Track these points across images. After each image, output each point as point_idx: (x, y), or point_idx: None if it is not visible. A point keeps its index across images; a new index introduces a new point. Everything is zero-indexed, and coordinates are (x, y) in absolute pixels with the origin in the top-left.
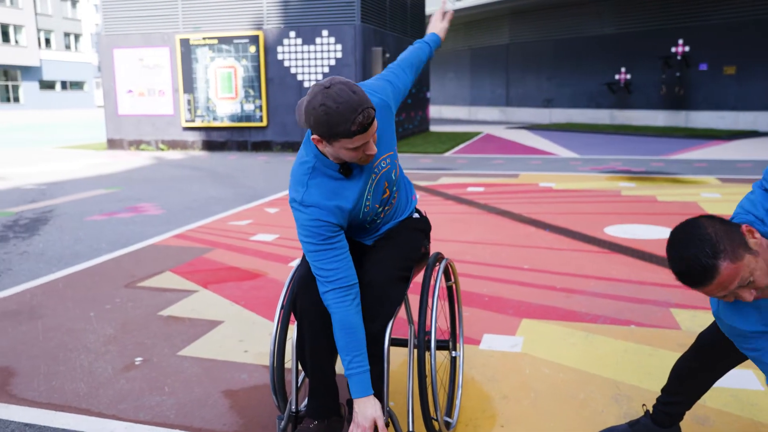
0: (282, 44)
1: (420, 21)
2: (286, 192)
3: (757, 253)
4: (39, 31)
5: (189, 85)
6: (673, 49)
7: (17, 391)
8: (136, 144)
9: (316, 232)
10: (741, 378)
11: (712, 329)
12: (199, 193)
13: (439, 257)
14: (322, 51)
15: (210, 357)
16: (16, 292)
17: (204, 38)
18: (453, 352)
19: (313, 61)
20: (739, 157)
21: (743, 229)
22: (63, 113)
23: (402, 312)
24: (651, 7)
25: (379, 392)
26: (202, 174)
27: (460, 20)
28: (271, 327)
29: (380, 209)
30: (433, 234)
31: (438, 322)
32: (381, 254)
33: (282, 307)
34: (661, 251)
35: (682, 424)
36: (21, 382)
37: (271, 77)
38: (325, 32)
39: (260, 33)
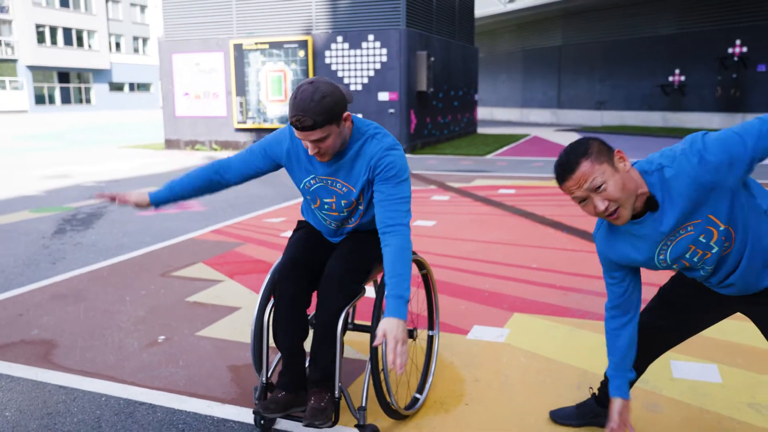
0: (330, 48)
1: (469, 24)
2: None
3: (618, 171)
4: (110, 35)
5: (241, 88)
6: (730, 50)
7: (57, 360)
8: (192, 144)
9: (262, 144)
10: (703, 371)
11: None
12: (242, 191)
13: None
14: (368, 55)
15: (223, 338)
16: (67, 278)
17: (256, 43)
18: (430, 332)
19: (360, 65)
20: None
21: (616, 151)
22: (130, 114)
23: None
24: (707, 7)
25: (331, 373)
26: None
27: (513, 22)
28: None
29: (329, 217)
30: (452, 234)
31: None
32: (342, 250)
33: (263, 293)
34: None
35: (636, 410)
36: (60, 353)
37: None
38: (371, 37)
39: (309, 38)
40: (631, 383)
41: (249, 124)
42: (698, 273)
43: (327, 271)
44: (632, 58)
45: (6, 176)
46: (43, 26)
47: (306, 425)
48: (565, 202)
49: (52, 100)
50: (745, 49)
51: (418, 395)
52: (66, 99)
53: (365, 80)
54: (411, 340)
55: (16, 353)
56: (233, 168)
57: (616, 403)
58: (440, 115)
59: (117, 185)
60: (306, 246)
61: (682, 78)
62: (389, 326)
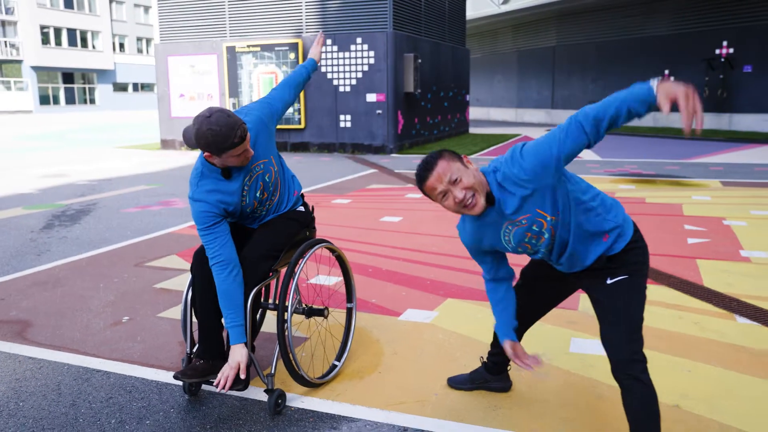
0: None
1: (460, 26)
2: (304, 190)
3: (468, 168)
4: (114, 36)
5: (234, 90)
6: (717, 51)
7: (30, 336)
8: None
9: (202, 220)
10: (596, 346)
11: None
12: None
13: (313, 242)
14: (356, 57)
15: (179, 318)
16: (48, 268)
17: (248, 46)
18: (348, 304)
19: (348, 66)
20: (764, 161)
21: (463, 156)
22: (133, 114)
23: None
24: (695, 9)
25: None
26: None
27: (508, 23)
28: None
29: (259, 205)
30: (414, 229)
31: (315, 291)
32: (256, 237)
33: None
34: None
35: (525, 380)
36: (34, 330)
37: (309, 82)
38: (359, 39)
39: (299, 41)
40: (516, 330)
41: None
42: (538, 255)
43: (242, 257)
44: (624, 59)
45: (4, 175)
46: (48, 27)
47: (203, 383)
48: None
49: (56, 101)
50: (731, 50)
51: (336, 362)
52: (70, 99)
53: (353, 82)
54: (323, 317)
55: None
56: (231, 259)
57: (507, 345)
58: (429, 116)
59: (109, 184)
60: None
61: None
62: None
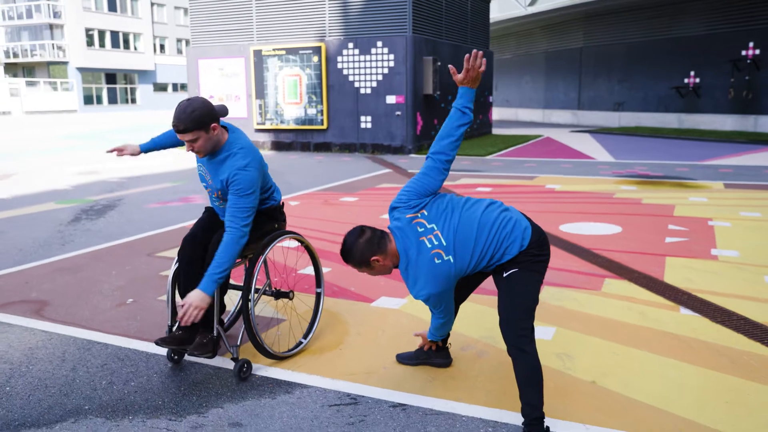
0: (342, 54)
1: (483, 28)
2: (317, 188)
3: (373, 269)
4: (155, 38)
5: (260, 92)
6: (744, 52)
7: (46, 314)
8: None
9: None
10: (542, 331)
11: None
12: None
13: (279, 233)
14: (376, 60)
15: (178, 301)
16: (70, 256)
17: (274, 49)
18: (317, 289)
19: (369, 69)
20: None
21: (373, 257)
22: (171, 114)
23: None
24: (722, 10)
25: (210, 318)
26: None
27: (535, 24)
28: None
29: (219, 202)
30: None
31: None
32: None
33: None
34: (587, 243)
35: (468, 357)
36: (50, 309)
37: (331, 84)
38: (379, 43)
39: (323, 44)
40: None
41: (267, 125)
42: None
43: (212, 243)
44: (650, 60)
45: (44, 172)
46: (93, 30)
47: (190, 354)
48: (531, 199)
49: (99, 101)
50: (758, 52)
51: (302, 339)
52: (113, 99)
53: (374, 84)
54: (288, 299)
55: (15, 309)
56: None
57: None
58: None
59: (137, 181)
60: (204, 223)
61: (697, 80)
62: (191, 294)
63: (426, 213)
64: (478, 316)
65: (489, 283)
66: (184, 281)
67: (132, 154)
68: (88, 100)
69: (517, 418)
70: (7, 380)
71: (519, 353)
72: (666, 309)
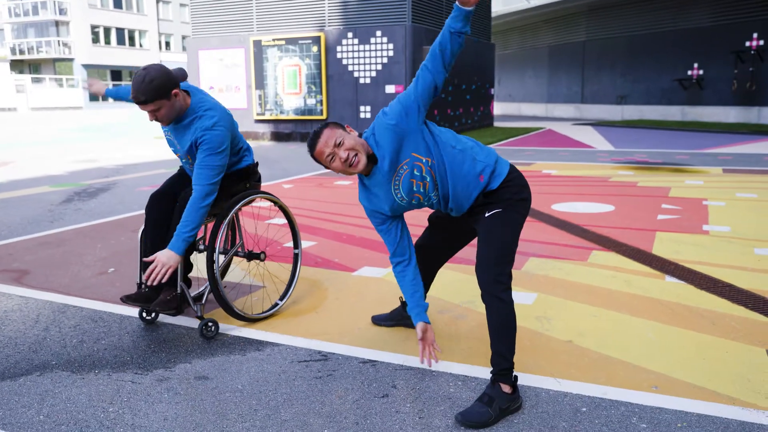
0: (341, 44)
1: (485, 20)
2: (311, 174)
3: (349, 134)
4: (160, 35)
5: (260, 82)
6: (747, 44)
7: (25, 281)
8: None
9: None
10: (523, 297)
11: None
12: None
13: (248, 193)
14: (375, 50)
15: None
16: (57, 232)
17: (273, 39)
18: (295, 250)
19: (368, 59)
20: None
21: (346, 125)
22: None
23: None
24: (725, 1)
25: (175, 276)
26: (256, 159)
27: (538, 18)
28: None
29: (189, 165)
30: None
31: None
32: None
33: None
34: (578, 220)
35: (445, 319)
36: (30, 277)
37: (330, 74)
38: (378, 32)
39: (322, 34)
40: (426, 310)
41: (267, 116)
42: (432, 204)
43: (178, 200)
44: (653, 53)
45: (42, 161)
46: (98, 27)
47: (152, 311)
48: None
49: (104, 98)
50: (761, 43)
51: (279, 301)
52: None
53: (373, 74)
54: (260, 260)
55: None
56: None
57: (419, 327)
58: (450, 108)
59: (134, 168)
60: (173, 181)
61: (701, 72)
62: (160, 253)
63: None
64: (460, 284)
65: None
66: (152, 238)
67: (97, 92)
68: (93, 96)
69: (488, 373)
70: None
71: (493, 300)
72: (651, 277)
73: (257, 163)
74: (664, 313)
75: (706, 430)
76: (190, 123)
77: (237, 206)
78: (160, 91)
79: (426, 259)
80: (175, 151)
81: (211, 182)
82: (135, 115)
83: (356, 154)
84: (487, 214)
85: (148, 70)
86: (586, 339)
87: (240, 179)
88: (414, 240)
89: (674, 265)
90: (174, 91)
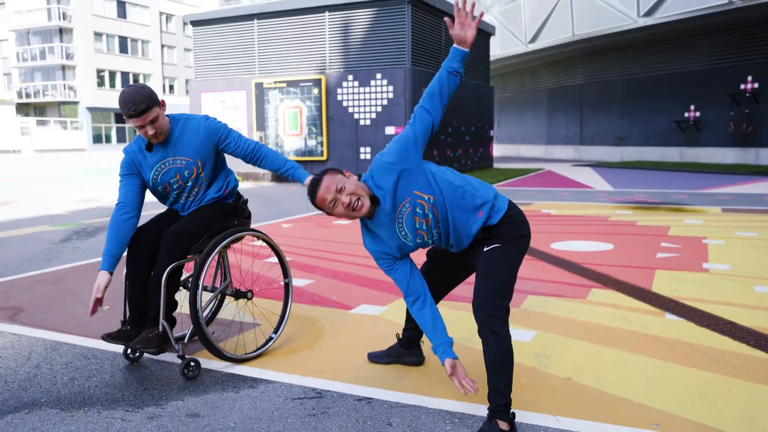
0: (341, 86)
1: (483, 64)
2: (312, 213)
3: (348, 178)
4: (164, 78)
5: (261, 123)
6: (742, 86)
7: (19, 319)
8: None
9: (122, 168)
10: (520, 334)
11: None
12: None
13: (234, 230)
14: (375, 92)
15: None
16: (53, 270)
17: (275, 82)
18: (285, 280)
19: (368, 101)
20: None
21: (345, 171)
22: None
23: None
24: (720, 46)
25: (156, 314)
26: (255, 199)
27: (537, 61)
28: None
29: (172, 190)
30: None
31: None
32: (181, 220)
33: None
34: (577, 259)
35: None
36: (25, 315)
37: (331, 116)
38: (378, 75)
39: (323, 77)
40: (451, 345)
41: None
42: (434, 241)
43: (164, 234)
44: (649, 95)
45: (43, 201)
46: (104, 71)
47: (134, 349)
48: None
49: (108, 140)
50: (756, 85)
51: (273, 335)
52: (122, 138)
53: (373, 115)
54: (247, 299)
55: None
56: (129, 203)
57: (447, 364)
58: (449, 149)
59: None
60: (154, 221)
61: (697, 114)
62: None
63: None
64: (457, 321)
65: (467, 290)
66: (132, 280)
67: (107, 286)
68: (97, 138)
69: (485, 411)
70: None
71: (489, 335)
72: (651, 315)
73: (246, 200)
74: (665, 350)
75: None
76: (182, 130)
77: (223, 243)
78: (153, 97)
79: (432, 288)
80: (171, 185)
81: (254, 140)
82: None
83: (359, 198)
84: (485, 249)
85: (135, 85)
86: (585, 376)
87: (228, 215)
88: None
89: (674, 303)
90: (161, 99)
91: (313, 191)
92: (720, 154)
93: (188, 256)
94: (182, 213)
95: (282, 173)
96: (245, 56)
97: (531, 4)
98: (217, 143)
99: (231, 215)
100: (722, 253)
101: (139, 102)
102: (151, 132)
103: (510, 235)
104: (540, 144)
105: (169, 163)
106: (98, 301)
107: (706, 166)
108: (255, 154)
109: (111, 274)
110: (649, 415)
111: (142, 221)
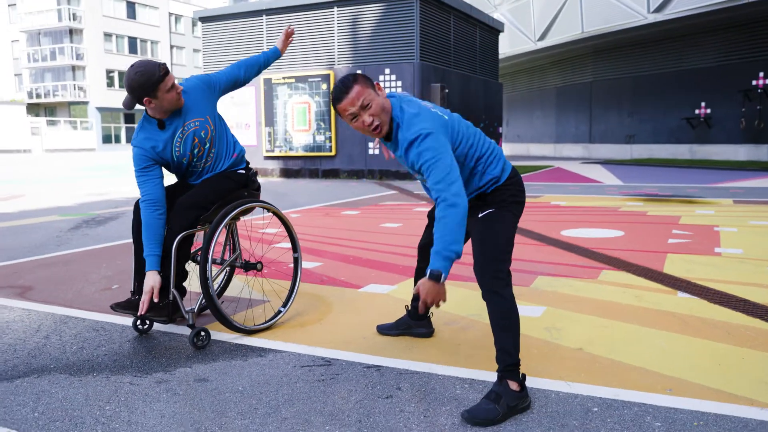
0: None
1: (492, 61)
2: (320, 205)
3: (379, 95)
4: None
5: (270, 119)
6: (754, 82)
7: (29, 296)
8: None
9: (138, 162)
10: (531, 310)
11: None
12: None
13: (242, 202)
14: (384, 87)
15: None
16: (63, 254)
17: (284, 78)
18: (294, 254)
19: None
20: None
21: (376, 83)
22: None
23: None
24: (731, 42)
25: (167, 276)
26: (264, 193)
27: (545, 59)
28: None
29: (195, 159)
30: (409, 231)
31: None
32: (192, 189)
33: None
34: (587, 244)
35: (451, 330)
36: (34, 293)
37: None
38: (387, 70)
39: (331, 72)
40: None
41: (276, 152)
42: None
43: (177, 203)
44: (659, 93)
45: (54, 194)
46: (113, 71)
47: (144, 318)
48: (535, 212)
49: (117, 140)
50: None
51: (282, 308)
52: (130, 138)
53: None
54: (257, 270)
55: None
56: (157, 201)
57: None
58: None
59: None
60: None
61: (708, 111)
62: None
63: None
64: (467, 300)
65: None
66: (138, 245)
67: (161, 286)
68: (106, 138)
69: (494, 378)
70: None
71: (493, 296)
72: (663, 293)
73: (256, 171)
74: (677, 324)
75: (724, 429)
76: (186, 93)
77: (233, 213)
78: (162, 65)
79: (428, 258)
80: (192, 153)
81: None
82: None
83: (380, 123)
84: (480, 215)
85: (131, 68)
86: (596, 347)
87: (239, 185)
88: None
89: (686, 282)
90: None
91: (339, 96)
92: (731, 151)
93: (198, 226)
94: (193, 181)
95: (266, 62)
96: (254, 52)
97: (540, 1)
98: (215, 88)
99: (242, 185)
100: (735, 239)
101: (157, 68)
102: (177, 96)
103: (505, 200)
104: (549, 142)
105: (187, 128)
106: (150, 301)
107: (717, 163)
108: (241, 69)
109: (160, 273)
110: (661, 380)
111: None
